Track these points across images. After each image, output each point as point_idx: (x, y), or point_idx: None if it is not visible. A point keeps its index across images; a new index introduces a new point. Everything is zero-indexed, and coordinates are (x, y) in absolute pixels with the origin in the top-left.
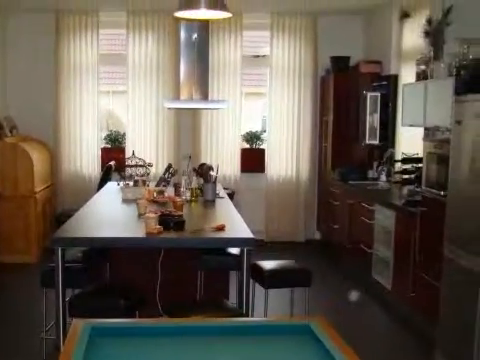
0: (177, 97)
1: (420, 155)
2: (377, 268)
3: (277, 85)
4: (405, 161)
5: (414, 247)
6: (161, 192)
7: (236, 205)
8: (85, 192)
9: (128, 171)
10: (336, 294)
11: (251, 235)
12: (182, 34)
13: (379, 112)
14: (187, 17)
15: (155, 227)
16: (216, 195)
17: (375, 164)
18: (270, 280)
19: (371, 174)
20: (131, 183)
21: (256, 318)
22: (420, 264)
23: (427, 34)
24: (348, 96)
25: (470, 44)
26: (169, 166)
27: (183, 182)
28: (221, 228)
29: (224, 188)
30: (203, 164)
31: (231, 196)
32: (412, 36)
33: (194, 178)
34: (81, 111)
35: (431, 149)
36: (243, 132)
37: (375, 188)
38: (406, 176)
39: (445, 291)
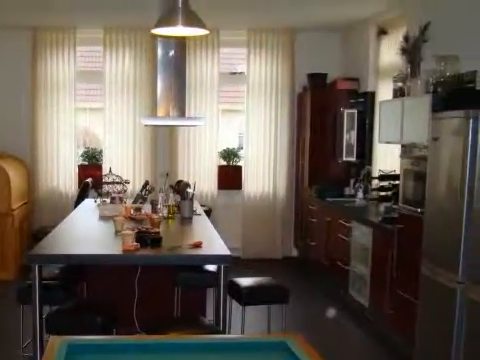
0: (154, 114)
1: (397, 172)
2: (354, 285)
3: (254, 102)
4: (382, 178)
5: (391, 264)
6: (138, 209)
7: (213, 222)
8: (62, 209)
9: (105, 188)
10: (313, 311)
11: (228, 252)
12: (159, 51)
13: (356, 129)
14: (164, 34)
15: (132, 244)
16: (193, 212)
17: (352, 181)
18: (247, 297)
19: (348, 191)
20: (108, 200)
21: (233, 335)
22: (397, 281)
23: (404, 51)
24: (325, 113)
25: (447, 61)
26: (146, 183)
27: (160, 199)
28: (198, 245)
29: (201, 205)
30: (180, 181)
31: (208, 213)
32: (389, 53)
33: (171, 195)
34: (58, 128)
35: (408, 166)
36: (220, 149)
37: (352, 205)
38: (383, 193)
39: (422, 308)
